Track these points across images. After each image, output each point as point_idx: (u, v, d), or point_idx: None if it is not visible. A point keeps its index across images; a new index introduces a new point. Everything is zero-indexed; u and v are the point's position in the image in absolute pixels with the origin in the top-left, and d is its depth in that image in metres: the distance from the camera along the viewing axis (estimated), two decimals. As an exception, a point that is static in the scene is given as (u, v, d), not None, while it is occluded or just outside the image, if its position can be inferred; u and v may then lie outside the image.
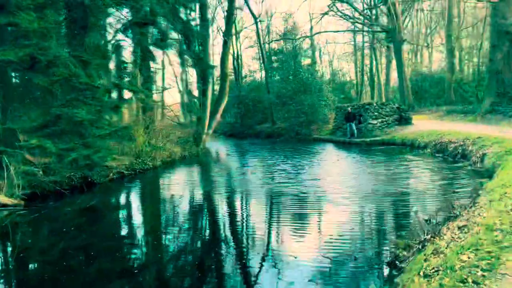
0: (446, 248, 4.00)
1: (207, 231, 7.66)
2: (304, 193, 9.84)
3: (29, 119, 10.64)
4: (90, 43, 12.42)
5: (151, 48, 15.10)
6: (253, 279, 4.94)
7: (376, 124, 22.51)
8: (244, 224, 7.79)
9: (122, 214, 9.68)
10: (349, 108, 23.51)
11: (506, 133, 14.85)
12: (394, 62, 38.63)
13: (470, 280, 3.07)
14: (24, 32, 10.08)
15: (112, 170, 13.23)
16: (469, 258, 3.49)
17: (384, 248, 5.54)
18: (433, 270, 3.40)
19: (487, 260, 3.40)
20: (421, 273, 3.47)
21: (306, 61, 39.49)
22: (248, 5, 33.07)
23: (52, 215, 9.23)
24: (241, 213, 8.82)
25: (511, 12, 19.87)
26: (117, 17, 13.52)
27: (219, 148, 25.36)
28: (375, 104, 23.22)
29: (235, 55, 41.46)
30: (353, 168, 14.17)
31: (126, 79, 13.17)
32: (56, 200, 10.45)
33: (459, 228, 4.64)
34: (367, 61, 51.78)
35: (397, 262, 4.58)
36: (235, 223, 7.92)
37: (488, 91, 21.48)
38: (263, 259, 5.58)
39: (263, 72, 38.14)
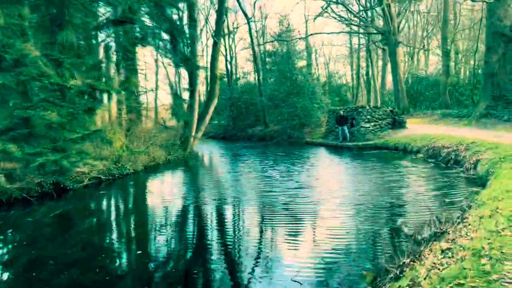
0: (424, 278, 3.38)
1: (175, 242, 7.01)
2: (285, 204, 9.20)
3: (-8, 122, 9.97)
4: (63, 42, 11.79)
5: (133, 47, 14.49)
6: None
7: (369, 127, 21.91)
8: (210, 240, 7.13)
9: (92, 222, 9.02)
10: (341, 112, 22.89)
11: (501, 137, 14.27)
12: (389, 65, 38.18)
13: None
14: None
15: (87, 176, 12.59)
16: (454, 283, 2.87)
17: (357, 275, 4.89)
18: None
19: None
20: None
21: (301, 63, 38.93)
22: (240, 6, 32.47)
23: (14, 224, 8.58)
24: (211, 227, 8.12)
25: (506, 13, 19.33)
26: (96, 14, 12.87)
27: (208, 152, 24.66)
28: (368, 108, 22.62)
29: (228, 56, 40.91)
30: (342, 175, 13.55)
31: (103, 80, 12.53)
32: (23, 208, 9.81)
33: (442, 251, 4.01)
34: (363, 64, 51.35)
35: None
36: (203, 237, 7.27)
37: (484, 94, 20.89)
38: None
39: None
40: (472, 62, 38.38)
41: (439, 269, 3.58)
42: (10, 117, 10.19)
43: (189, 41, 19.46)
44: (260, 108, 34.00)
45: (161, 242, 6.97)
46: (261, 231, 7.31)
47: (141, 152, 14.58)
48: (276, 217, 8.13)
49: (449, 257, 3.80)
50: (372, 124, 21.94)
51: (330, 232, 6.82)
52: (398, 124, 22.16)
